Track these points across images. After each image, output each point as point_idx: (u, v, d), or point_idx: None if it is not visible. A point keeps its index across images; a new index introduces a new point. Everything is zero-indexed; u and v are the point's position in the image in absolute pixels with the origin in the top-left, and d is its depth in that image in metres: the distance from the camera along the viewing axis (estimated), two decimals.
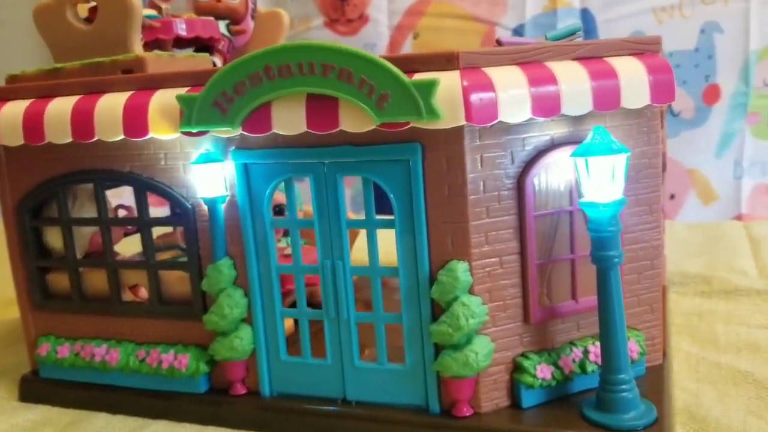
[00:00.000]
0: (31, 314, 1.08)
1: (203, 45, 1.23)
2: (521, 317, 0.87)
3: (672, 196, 2.36)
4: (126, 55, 0.98)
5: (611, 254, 0.80)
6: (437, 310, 0.86)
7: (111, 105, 0.91)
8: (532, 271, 0.86)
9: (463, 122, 0.76)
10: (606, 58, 0.85)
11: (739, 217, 2.16)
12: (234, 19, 1.30)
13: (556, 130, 0.85)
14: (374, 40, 3.00)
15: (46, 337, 1.07)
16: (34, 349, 1.08)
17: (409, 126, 0.78)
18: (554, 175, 0.86)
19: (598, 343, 0.90)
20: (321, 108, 0.81)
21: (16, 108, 0.97)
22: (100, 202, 1.00)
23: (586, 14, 2.72)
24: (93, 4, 1.05)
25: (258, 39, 1.33)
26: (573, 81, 0.81)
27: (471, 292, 0.84)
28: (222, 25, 1.28)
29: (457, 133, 0.81)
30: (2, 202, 1.05)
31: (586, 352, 0.89)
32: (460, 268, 0.83)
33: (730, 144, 2.57)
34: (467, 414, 0.86)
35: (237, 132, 0.85)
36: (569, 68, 0.82)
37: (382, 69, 0.78)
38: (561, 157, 0.85)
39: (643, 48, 0.87)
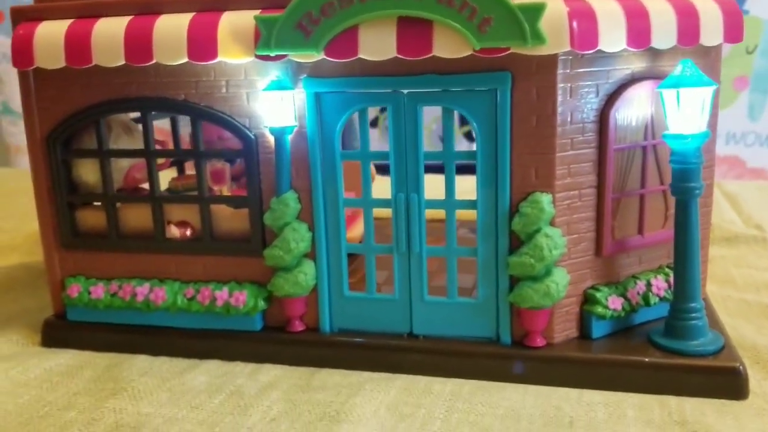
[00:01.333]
0: (58, 254, 1.01)
1: None
2: (593, 250, 0.89)
3: None
4: None
5: (693, 186, 0.83)
6: (514, 243, 0.86)
7: (173, 25, 0.85)
8: (607, 205, 0.87)
9: (567, 48, 0.76)
10: None
11: None
12: None
13: (636, 64, 0.86)
14: None
15: (74, 278, 1.00)
16: (60, 291, 1.01)
17: (507, 52, 0.77)
18: (632, 109, 0.87)
19: (659, 277, 0.93)
20: (413, 32, 0.79)
21: (55, 27, 0.90)
22: (149, 132, 0.94)
23: None
24: None
25: None
26: (662, 15, 0.82)
27: (551, 224, 0.85)
28: None
29: (550, 61, 0.80)
30: (29, 133, 0.97)
31: (649, 285, 0.92)
32: (545, 199, 0.83)
33: None
34: (541, 344, 0.88)
35: (319, 56, 0.82)
36: (657, 3, 0.83)
37: None
38: (639, 92, 0.86)
39: None
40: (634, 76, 0.87)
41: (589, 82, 0.84)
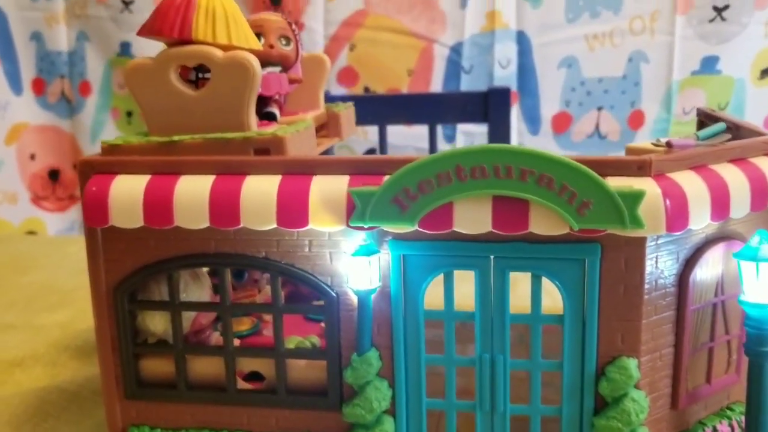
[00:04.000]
0: (120, 403, 0.98)
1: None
2: (669, 405, 0.91)
3: None
4: (261, 132, 0.91)
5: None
6: (598, 402, 0.88)
7: (261, 190, 0.85)
8: (684, 362, 0.90)
9: (663, 232, 0.79)
10: (751, 159, 0.90)
11: None
12: (285, 65, 1.24)
13: (709, 228, 0.90)
14: (309, 48, 2.95)
15: (138, 428, 0.98)
16: None
17: (604, 233, 0.79)
18: (706, 270, 0.90)
19: (723, 421, 0.97)
20: (509, 209, 0.80)
21: (132, 185, 0.88)
22: (225, 288, 0.92)
23: (521, 37, 2.84)
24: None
25: (302, 84, 1.27)
26: (738, 186, 0.85)
27: (636, 386, 0.87)
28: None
29: (640, 236, 0.83)
30: (94, 284, 0.94)
31: (715, 430, 0.95)
32: (632, 365, 0.85)
33: None
34: None
35: (413, 229, 0.82)
36: (732, 172, 0.86)
37: (585, 177, 0.78)
38: (714, 254, 0.90)
39: None
40: (708, 239, 0.90)
41: (672, 250, 0.86)
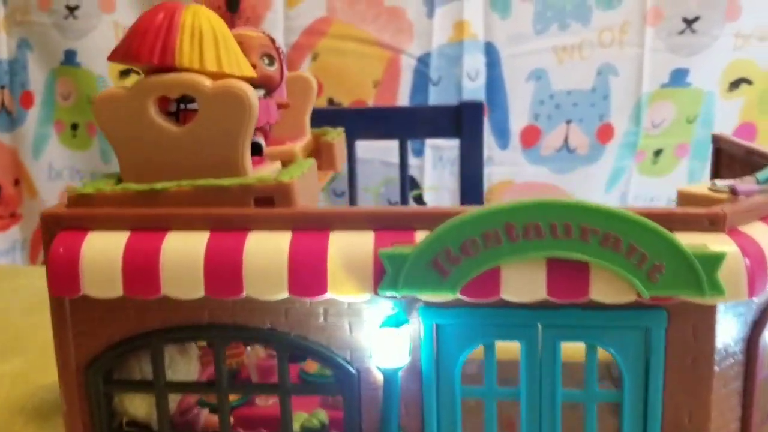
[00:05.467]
0: None
1: None
2: None
3: None
4: (261, 177, 0.77)
5: None
6: None
7: (268, 251, 0.71)
8: None
9: (745, 298, 0.68)
10: None
11: None
12: (269, 87, 1.10)
13: None
14: None
15: None
16: None
17: (678, 301, 0.68)
18: None
19: None
20: (566, 273, 0.69)
21: (108, 244, 0.73)
22: (221, 365, 0.77)
23: (490, 48, 2.75)
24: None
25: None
26: None
27: None
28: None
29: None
30: (62, 362, 0.78)
31: None
32: None
33: (619, 179, 2.73)
34: None
35: (455, 297, 0.69)
36: None
37: (657, 236, 0.67)
38: None
39: None
40: None
41: (740, 312, 0.76)
